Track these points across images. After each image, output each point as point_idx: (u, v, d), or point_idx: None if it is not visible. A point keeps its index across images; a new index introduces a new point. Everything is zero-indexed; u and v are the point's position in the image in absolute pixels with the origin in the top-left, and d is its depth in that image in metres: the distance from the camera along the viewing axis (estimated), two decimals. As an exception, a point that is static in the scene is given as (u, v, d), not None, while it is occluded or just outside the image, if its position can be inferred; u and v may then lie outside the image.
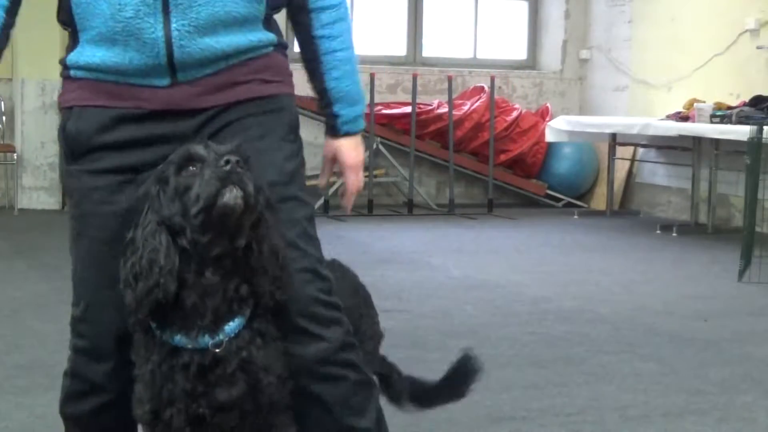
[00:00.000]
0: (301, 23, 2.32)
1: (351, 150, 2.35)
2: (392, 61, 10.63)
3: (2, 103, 9.33)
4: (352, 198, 2.37)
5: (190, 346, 2.08)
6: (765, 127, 6.56)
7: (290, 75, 2.31)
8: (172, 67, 2.15)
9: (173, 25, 2.12)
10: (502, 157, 10.27)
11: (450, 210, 9.81)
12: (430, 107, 10.17)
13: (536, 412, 3.67)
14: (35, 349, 4.43)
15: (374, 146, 9.66)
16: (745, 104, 8.31)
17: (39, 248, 7.23)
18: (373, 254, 7.13)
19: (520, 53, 11.33)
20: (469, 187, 10.64)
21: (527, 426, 3.53)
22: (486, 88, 10.23)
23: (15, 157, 9.15)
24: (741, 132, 7.31)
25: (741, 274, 6.40)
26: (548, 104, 10.68)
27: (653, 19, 10.11)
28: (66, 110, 2.31)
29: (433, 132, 10.16)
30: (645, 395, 3.91)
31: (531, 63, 11.35)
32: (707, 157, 8.77)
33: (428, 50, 10.99)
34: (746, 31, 8.99)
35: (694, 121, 8.47)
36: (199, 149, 2.06)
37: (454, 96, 10.10)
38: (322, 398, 2.22)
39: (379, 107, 9.93)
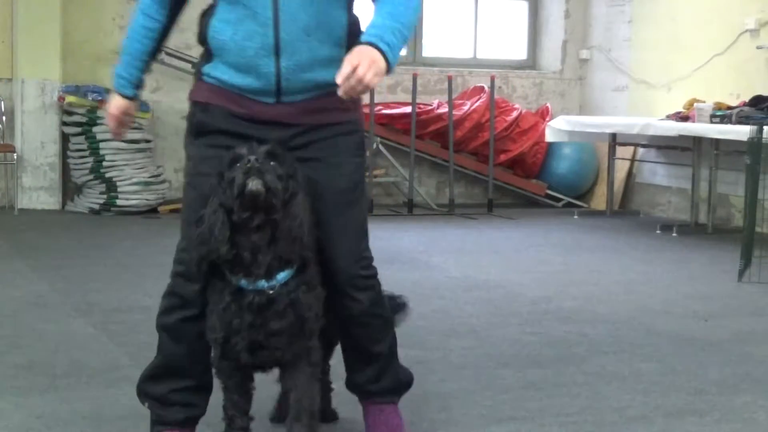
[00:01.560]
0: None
1: (359, 48, 2.83)
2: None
3: (2, 103, 9.32)
4: (343, 78, 2.76)
5: (250, 288, 2.88)
6: (765, 127, 6.56)
7: (361, 103, 3.13)
8: (278, 92, 2.96)
9: (282, 64, 2.92)
10: (502, 157, 10.27)
11: (450, 210, 9.81)
12: (430, 107, 10.17)
13: (536, 412, 3.67)
14: (35, 349, 4.43)
15: (374, 146, 9.66)
16: (745, 104, 8.31)
17: (39, 248, 7.23)
18: (373, 254, 7.12)
19: (520, 53, 11.33)
20: (469, 187, 10.64)
21: (527, 426, 3.53)
22: (486, 88, 10.22)
23: (15, 157, 9.14)
24: (741, 132, 7.31)
25: (741, 274, 6.40)
26: (548, 104, 10.68)
27: (653, 19, 10.11)
28: (196, 103, 3.08)
29: (433, 132, 10.16)
30: (645, 395, 3.91)
31: (531, 63, 11.35)
32: (707, 157, 8.77)
33: (428, 50, 10.99)
34: (746, 31, 8.99)
35: (694, 121, 8.47)
36: (242, 150, 2.85)
37: (454, 96, 10.10)
38: (354, 336, 3.20)
39: (379, 107, 9.93)
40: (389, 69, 2.84)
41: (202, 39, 3.03)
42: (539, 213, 9.99)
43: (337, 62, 2.85)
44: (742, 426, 3.59)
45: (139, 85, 3.18)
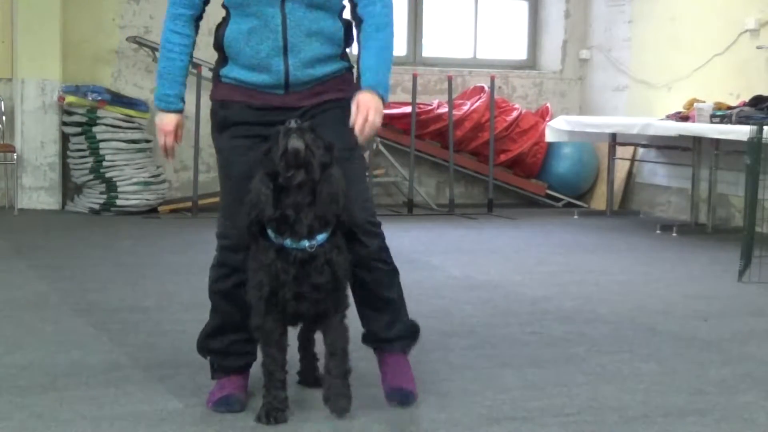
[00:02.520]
0: (357, 35, 3.69)
1: (366, 99, 3.51)
2: (392, 61, 10.62)
3: (2, 103, 9.32)
4: (359, 129, 3.48)
5: (294, 246, 3.37)
6: (765, 127, 6.55)
7: (353, 85, 3.66)
8: (287, 84, 3.58)
9: (290, 62, 3.55)
10: (502, 157, 10.27)
11: (450, 210, 9.81)
12: (430, 107, 10.17)
13: (536, 412, 3.67)
14: (35, 349, 4.42)
15: (374, 146, 9.66)
16: (745, 104, 8.30)
17: (39, 248, 7.23)
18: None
19: (520, 53, 11.33)
20: (469, 187, 10.64)
21: (527, 426, 3.53)
22: (486, 88, 10.22)
23: (15, 157, 9.14)
24: (741, 132, 7.31)
25: (741, 274, 6.40)
26: (548, 104, 10.68)
27: (653, 19, 10.11)
28: (217, 101, 3.67)
29: (433, 132, 10.17)
30: (645, 395, 3.91)
31: (531, 63, 11.35)
32: (707, 157, 8.77)
33: (428, 50, 10.99)
34: (746, 31, 8.99)
35: (694, 121, 8.47)
36: (279, 127, 3.36)
37: (454, 96, 10.10)
38: (365, 280, 3.66)
39: (379, 107, 9.92)
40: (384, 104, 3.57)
41: (218, 46, 3.63)
42: (539, 213, 9.99)
43: (334, 59, 3.63)
44: (742, 426, 3.58)
45: (183, 98, 3.70)
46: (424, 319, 5.11)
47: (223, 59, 3.64)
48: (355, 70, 3.73)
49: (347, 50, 3.71)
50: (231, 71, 3.61)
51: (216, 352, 3.73)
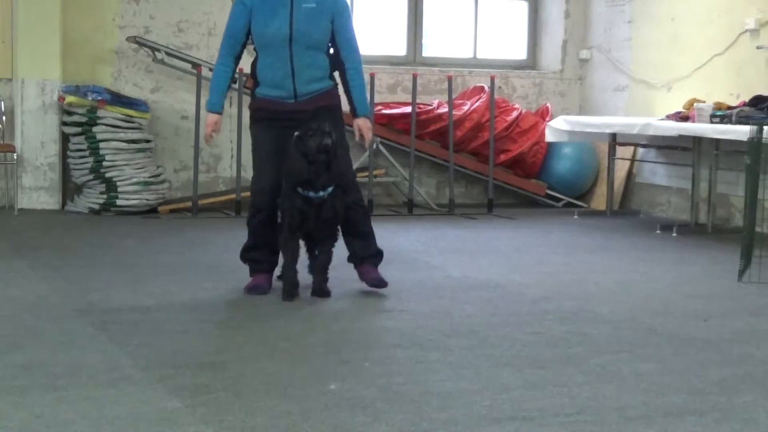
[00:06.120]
0: (341, 76, 5.80)
1: (362, 123, 5.79)
2: (392, 61, 10.63)
3: (2, 103, 9.32)
4: (368, 143, 6.08)
5: (314, 196, 5.48)
6: (765, 127, 6.55)
7: (339, 98, 5.76)
8: (295, 96, 5.64)
9: (296, 82, 5.63)
10: (502, 157, 10.27)
11: (450, 210, 9.81)
12: (430, 107, 10.17)
13: (536, 412, 3.67)
14: (35, 349, 4.42)
15: (374, 146, 9.65)
16: (745, 104, 8.30)
17: (39, 248, 7.23)
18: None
19: (520, 53, 11.33)
20: (469, 187, 10.64)
21: (527, 426, 3.53)
22: (486, 88, 10.22)
23: (15, 157, 9.14)
24: (741, 132, 7.31)
25: (741, 274, 6.40)
26: (548, 104, 10.68)
27: (653, 19, 10.11)
28: (254, 108, 5.82)
29: (433, 132, 10.16)
30: (645, 395, 3.91)
31: (531, 63, 11.35)
32: (707, 157, 8.77)
33: (428, 50, 10.99)
34: (746, 31, 8.99)
35: (694, 121, 8.46)
36: (313, 124, 5.43)
37: (454, 96, 10.10)
38: (350, 216, 5.70)
39: (379, 107, 9.93)
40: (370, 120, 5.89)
41: (253, 74, 5.73)
42: (539, 213, 9.99)
43: (323, 79, 5.70)
44: (742, 426, 3.58)
45: (222, 105, 5.86)
46: (424, 319, 5.14)
47: (256, 83, 5.72)
48: (339, 87, 5.74)
49: (333, 74, 5.73)
50: (261, 90, 5.70)
51: (251, 260, 5.79)
